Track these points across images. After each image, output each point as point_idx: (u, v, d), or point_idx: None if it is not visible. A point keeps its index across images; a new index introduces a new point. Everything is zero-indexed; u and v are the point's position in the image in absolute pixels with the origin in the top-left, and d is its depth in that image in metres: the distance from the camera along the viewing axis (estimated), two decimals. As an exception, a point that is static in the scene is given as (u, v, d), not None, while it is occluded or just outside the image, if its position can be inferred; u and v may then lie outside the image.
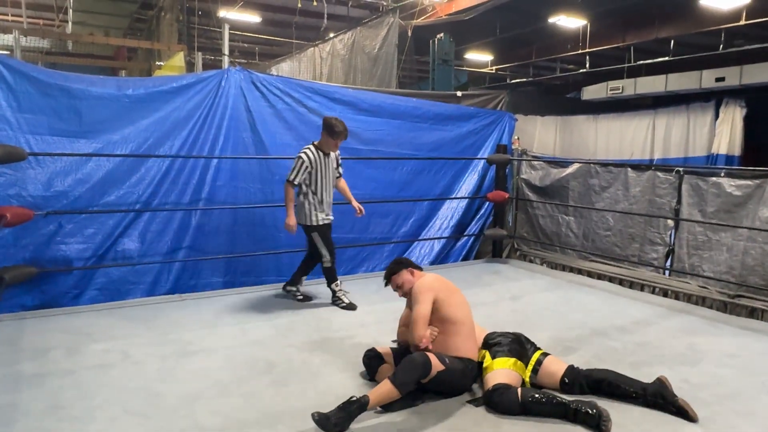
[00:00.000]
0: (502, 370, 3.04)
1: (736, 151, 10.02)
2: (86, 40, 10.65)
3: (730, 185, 5.26)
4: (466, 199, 6.93)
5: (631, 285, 5.68)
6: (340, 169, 4.87)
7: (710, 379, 3.38)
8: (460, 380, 3.06)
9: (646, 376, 3.09)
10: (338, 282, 4.80)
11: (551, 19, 10.53)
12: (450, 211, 6.92)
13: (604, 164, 6.71)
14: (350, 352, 3.67)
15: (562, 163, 7.05)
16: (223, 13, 11.54)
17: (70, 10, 12.47)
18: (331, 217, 4.79)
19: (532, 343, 3.29)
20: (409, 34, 10.69)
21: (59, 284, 4.71)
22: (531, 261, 6.92)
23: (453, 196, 6.88)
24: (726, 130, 10.05)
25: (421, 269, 3.40)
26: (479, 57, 14.56)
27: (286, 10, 12.31)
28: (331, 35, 11.66)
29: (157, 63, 11.37)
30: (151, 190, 5.02)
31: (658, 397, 2.91)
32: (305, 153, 4.56)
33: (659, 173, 5.86)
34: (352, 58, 10.55)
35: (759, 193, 5.05)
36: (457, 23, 10.31)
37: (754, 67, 9.80)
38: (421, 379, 2.89)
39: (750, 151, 10.32)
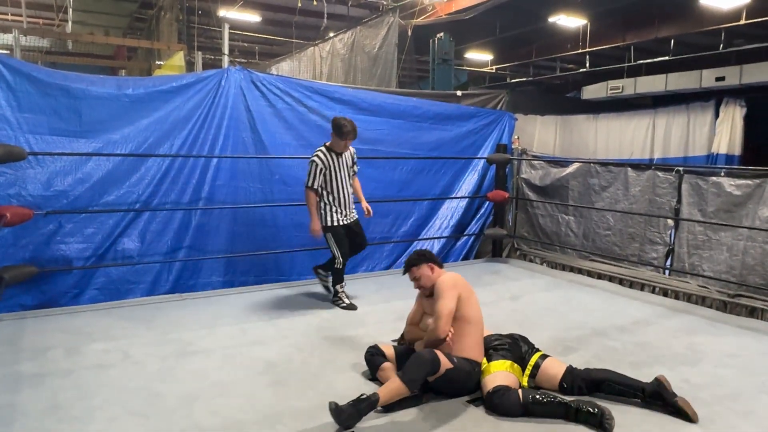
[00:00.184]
0: (499, 373, 3.03)
1: (736, 150, 10.01)
2: (86, 39, 10.65)
3: (730, 185, 5.26)
4: (466, 199, 6.93)
5: (631, 285, 5.68)
6: (356, 167, 4.87)
7: (710, 379, 3.38)
8: (466, 381, 3.05)
9: (645, 375, 3.09)
10: (343, 284, 4.80)
11: (551, 19, 10.53)
12: (450, 211, 6.92)
13: (604, 164, 6.71)
14: (350, 352, 3.67)
15: (562, 163, 7.05)
16: (223, 12, 11.53)
17: (70, 10, 12.45)
18: (353, 217, 4.78)
19: (531, 345, 3.28)
20: (409, 33, 10.69)
21: (59, 284, 4.71)
22: (531, 260, 6.92)
23: (453, 195, 6.88)
24: (726, 130, 10.05)
25: (441, 266, 3.38)
26: (479, 56, 14.55)
27: (286, 10, 12.30)
28: (331, 35, 11.65)
29: (157, 62, 11.37)
30: (150, 190, 5.01)
31: (656, 397, 2.91)
32: (317, 156, 4.58)
33: (659, 173, 5.86)
34: (352, 58, 10.54)
35: (759, 193, 5.05)
36: (457, 23, 10.30)
37: (754, 66, 9.81)
38: (429, 377, 2.88)
39: (750, 150, 10.31)
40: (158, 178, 5.04)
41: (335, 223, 4.66)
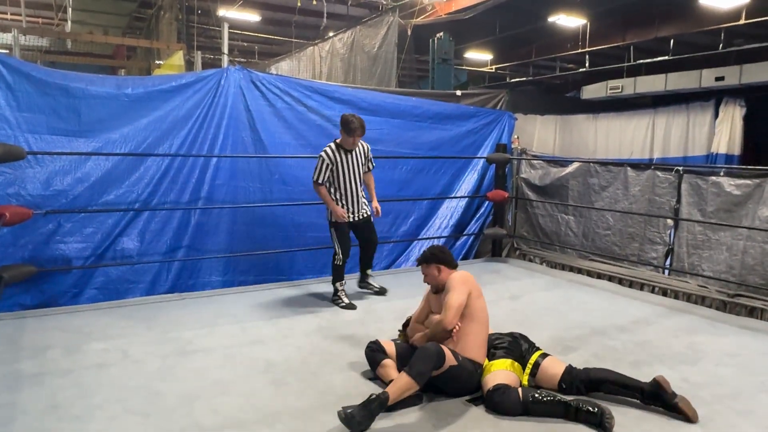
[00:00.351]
0: (500, 371, 3.04)
1: (736, 150, 10.01)
2: (85, 38, 10.64)
3: (730, 184, 5.26)
4: (466, 199, 6.93)
5: (631, 284, 5.68)
6: (370, 164, 4.87)
7: (710, 379, 3.38)
8: (467, 381, 3.05)
9: (645, 375, 3.09)
10: (343, 282, 4.81)
11: (551, 18, 10.53)
12: (449, 211, 6.92)
13: (604, 163, 6.71)
14: (350, 351, 3.67)
15: (562, 163, 7.05)
16: (223, 11, 11.53)
17: (69, 9, 12.45)
18: (362, 215, 4.79)
19: (531, 344, 3.28)
20: (409, 33, 10.68)
21: (58, 283, 4.71)
22: (530, 260, 6.92)
23: (452, 195, 6.88)
24: (725, 130, 10.05)
25: (455, 266, 3.40)
26: (479, 56, 14.55)
27: (286, 9, 12.30)
28: (331, 34, 11.66)
29: (157, 62, 11.37)
30: (150, 189, 5.01)
31: (656, 397, 2.90)
32: (324, 151, 4.62)
33: (659, 172, 5.86)
34: (352, 57, 10.54)
35: (758, 193, 5.05)
36: (457, 22, 10.30)
37: (754, 66, 9.81)
38: (435, 370, 2.88)
39: (749, 150, 10.32)
40: (158, 177, 5.04)
41: (339, 220, 4.70)
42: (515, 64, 14.70)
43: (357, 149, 4.70)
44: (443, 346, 2.94)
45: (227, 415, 2.84)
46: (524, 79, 15.35)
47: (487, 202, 6.96)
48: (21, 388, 3.05)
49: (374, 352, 3.24)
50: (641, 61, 11.80)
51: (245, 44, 15.75)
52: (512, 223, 7.35)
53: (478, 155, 6.89)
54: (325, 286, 5.13)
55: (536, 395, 2.87)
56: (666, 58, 11.20)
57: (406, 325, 3.54)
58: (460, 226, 6.98)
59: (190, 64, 9.10)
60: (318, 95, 5.83)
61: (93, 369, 3.33)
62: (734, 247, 5.18)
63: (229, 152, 5.35)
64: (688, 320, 4.55)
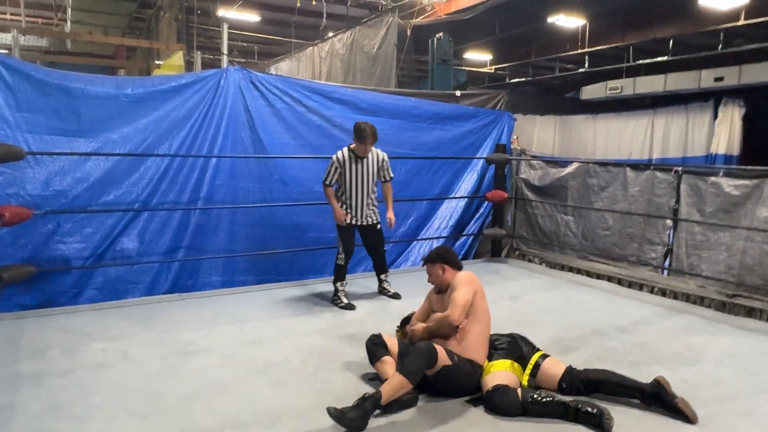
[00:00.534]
0: (500, 372, 3.04)
1: (735, 150, 10.02)
2: (85, 39, 10.65)
3: (729, 185, 5.26)
4: (465, 199, 6.93)
5: (630, 285, 5.68)
6: (386, 174, 4.88)
7: (709, 379, 3.38)
8: (465, 380, 3.05)
9: (644, 375, 3.09)
10: (344, 282, 4.82)
11: (550, 19, 10.53)
12: (449, 211, 6.92)
13: (603, 164, 6.71)
14: (349, 352, 3.68)
15: (561, 163, 7.05)
16: (222, 12, 11.53)
17: (69, 9, 12.45)
18: (367, 221, 4.81)
19: (531, 345, 3.28)
20: (408, 33, 10.69)
21: (58, 284, 4.71)
22: (530, 260, 6.92)
23: (452, 195, 6.88)
24: (725, 130, 10.05)
25: (460, 267, 3.43)
26: (478, 56, 14.56)
27: (285, 10, 12.31)
28: (330, 34, 11.66)
29: (156, 62, 11.37)
30: (149, 190, 5.01)
31: (656, 398, 2.90)
32: (336, 154, 4.70)
33: (658, 173, 5.87)
34: (351, 58, 10.55)
35: (757, 193, 5.05)
36: (456, 23, 10.31)
37: (753, 66, 9.81)
38: (428, 369, 2.88)
39: (748, 150, 10.32)
40: (157, 177, 5.04)
41: (344, 222, 4.76)
42: (515, 65, 14.70)
43: (370, 157, 4.73)
44: (437, 346, 2.95)
45: (226, 415, 2.84)
46: (523, 79, 15.35)
47: (486, 203, 6.96)
48: (21, 389, 3.05)
49: (376, 345, 3.23)
50: (640, 61, 11.80)
51: (245, 44, 15.75)
52: (512, 224, 7.35)
53: (478, 156, 6.89)
54: (324, 287, 5.13)
55: (535, 396, 2.87)
56: (665, 58, 11.20)
57: (405, 322, 3.54)
58: (459, 226, 6.98)
59: (189, 65, 9.11)
60: (317, 95, 5.83)
61: (92, 369, 3.33)
62: (733, 247, 5.18)
63: (228, 152, 5.35)
64: (687, 321, 4.55)
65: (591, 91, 12.81)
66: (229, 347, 3.75)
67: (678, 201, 5.64)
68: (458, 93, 7.35)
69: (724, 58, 10.48)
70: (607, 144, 12.30)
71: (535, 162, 7.21)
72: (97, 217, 4.82)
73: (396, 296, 5.01)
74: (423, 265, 3.51)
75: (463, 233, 7.02)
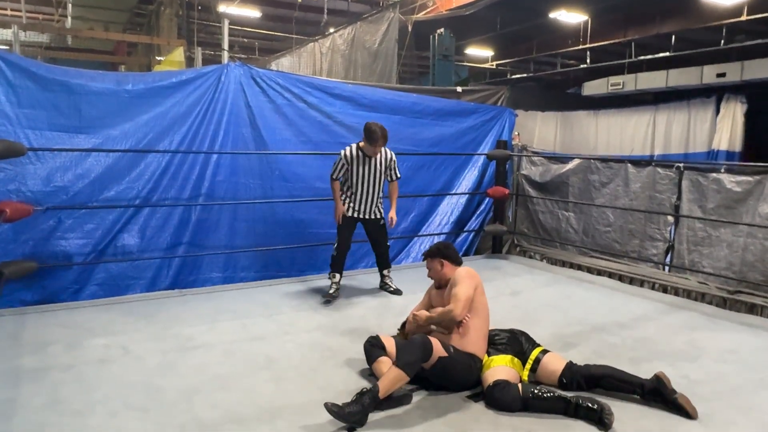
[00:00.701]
0: (500, 367, 3.04)
1: (737, 147, 9.99)
2: (86, 35, 10.65)
3: (731, 181, 5.25)
4: (466, 195, 6.93)
5: (631, 281, 5.68)
6: (392, 174, 4.91)
7: (709, 375, 3.38)
8: (463, 373, 3.06)
9: (645, 372, 3.09)
10: (335, 275, 4.83)
11: (552, 15, 10.50)
12: (450, 207, 6.91)
13: (605, 160, 6.70)
14: (350, 347, 3.68)
15: (563, 159, 7.04)
16: (223, 7, 11.52)
17: (70, 5, 12.45)
18: (370, 215, 4.84)
19: (532, 341, 3.29)
20: (410, 29, 10.67)
21: (59, 279, 4.71)
22: (531, 257, 6.92)
23: (453, 191, 6.87)
24: (727, 126, 10.02)
25: (459, 263, 3.46)
26: (479, 52, 14.52)
27: (286, 5, 12.30)
28: (331, 30, 11.63)
29: (157, 58, 11.37)
30: (150, 186, 5.01)
31: (656, 393, 2.91)
32: (344, 150, 4.74)
33: (659, 169, 5.86)
34: (352, 54, 10.53)
35: (759, 189, 5.05)
36: (458, 18, 10.29)
37: (755, 62, 9.77)
38: (424, 362, 2.89)
39: (750, 147, 10.29)
40: (158, 173, 5.04)
41: (345, 214, 4.79)
42: (516, 61, 14.66)
43: (379, 156, 4.76)
44: (432, 338, 2.96)
45: (227, 410, 2.85)
46: (525, 75, 15.32)
47: (487, 199, 6.95)
48: (22, 384, 3.05)
49: (373, 347, 3.23)
50: (642, 57, 11.77)
51: (246, 40, 15.73)
52: (513, 220, 7.35)
53: (479, 152, 6.88)
54: (325, 283, 5.13)
55: (536, 391, 2.88)
56: (667, 54, 11.17)
57: (406, 324, 3.55)
58: (460, 222, 6.98)
59: (190, 60, 9.11)
60: (318, 91, 5.82)
61: (94, 365, 3.34)
62: (734, 243, 5.18)
63: (229, 149, 5.34)
64: (688, 317, 4.55)
65: (592, 87, 12.78)
66: (229, 343, 3.75)
67: (679, 197, 5.63)
68: (459, 89, 7.34)
69: (727, 54, 10.45)
70: (608, 140, 12.26)
71: (536, 158, 7.19)
72: (98, 213, 4.82)
73: (397, 292, 5.01)
74: (423, 259, 3.54)
75: (464, 229, 7.02)
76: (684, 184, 5.60)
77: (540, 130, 13.12)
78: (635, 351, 3.74)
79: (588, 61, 12.87)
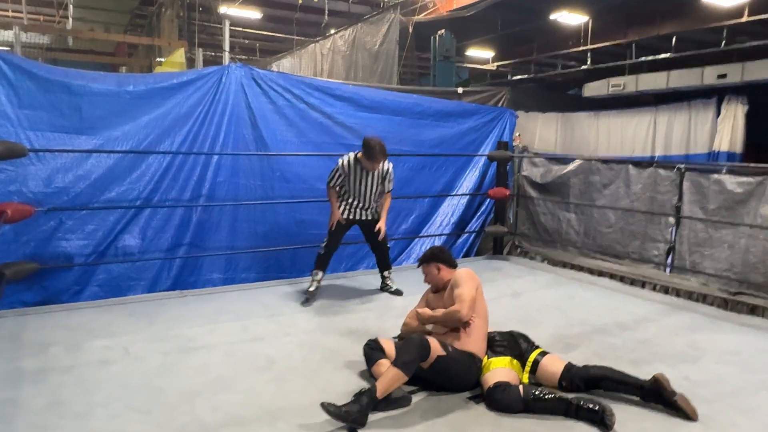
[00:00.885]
0: (500, 369, 3.04)
1: (738, 148, 9.98)
2: (87, 36, 10.67)
3: (732, 182, 5.24)
4: (467, 196, 6.93)
5: (632, 282, 5.67)
6: (386, 186, 4.91)
7: (710, 377, 3.38)
8: (463, 373, 3.06)
9: (646, 373, 3.09)
10: (318, 273, 4.83)
11: (553, 16, 10.51)
12: (451, 208, 6.91)
13: (606, 161, 6.69)
14: (351, 348, 3.68)
15: (563, 160, 7.03)
16: (224, 9, 11.53)
17: (71, 6, 12.47)
18: (364, 216, 4.86)
19: (531, 342, 3.28)
20: (410, 30, 10.68)
21: (60, 281, 4.71)
22: (532, 258, 6.92)
23: (454, 192, 6.87)
24: (728, 127, 10.01)
25: (455, 266, 3.48)
26: (480, 53, 14.53)
27: (287, 6, 12.31)
28: (332, 31, 11.64)
29: (158, 59, 11.37)
30: (151, 187, 5.01)
31: (656, 395, 2.90)
32: (341, 160, 4.76)
33: (660, 170, 5.85)
34: (353, 55, 10.54)
35: (760, 190, 5.04)
36: (458, 20, 10.29)
37: (756, 64, 9.77)
38: (422, 360, 2.89)
39: (752, 148, 10.29)
40: (159, 175, 5.04)
41: (339, 219, 4.80)
42: (517, 62, 14.67)
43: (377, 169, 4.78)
44: (430, 338, 2.96)
45: (228, 411, 2.85)
46: (526, 76, 15.32)
47: (488, 200, 6.95)
48: (23, 385, 3.05)
49: (372, 350, 3.24)
50: (643, 58, 11.76)
51: (246, 41, 15.75)
52: (513, 221, 7.35)
53: (480, 153, 6.88)
54: (326, 283, 5.13)
55: (537, 393, 2.87)
56: (668, 55, 11.17)
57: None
58: (461, 223, 6.98)
59: (191, 62, 9.12)
60: (319, 93, 5.82)
61: (94, 366, 3.34)
62: (736, 245, 5.17)
63: (230, 150, 5.34)
64: (689, 318, 4.55)
65: (593, 89, 12.77)
66: (230, 344, 3.75)
67: (680, 198, 5.62)
68: (460, 90, 7.34)
69: (728, 55, 10.44)
70: (609, 141, 12.25)
71: (537, 159, 7.19)
72: (99, 214, 4.82)
73: (398, 293, 5.01)
74: (418, 266, 3.54)
75: (465, 230, 7.02)
76: (685, 185, 5.59)
77: (541, 132, 13.11)
78: (636, 352, 3.73)
79: (589, 62, 12.87)
